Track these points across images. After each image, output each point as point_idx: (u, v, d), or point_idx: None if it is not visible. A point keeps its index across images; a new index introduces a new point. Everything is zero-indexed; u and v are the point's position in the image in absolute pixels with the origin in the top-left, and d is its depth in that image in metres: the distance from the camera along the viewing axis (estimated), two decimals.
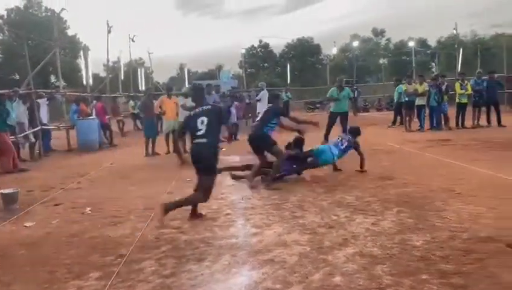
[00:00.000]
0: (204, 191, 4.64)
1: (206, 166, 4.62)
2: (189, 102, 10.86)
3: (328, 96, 11.29)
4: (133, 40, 24.81)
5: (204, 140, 4.59)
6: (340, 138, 7.04)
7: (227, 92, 18.31)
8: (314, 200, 5.28)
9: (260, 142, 6.48)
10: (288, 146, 6.94)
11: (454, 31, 28.43)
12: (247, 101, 19.00)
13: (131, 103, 19.90)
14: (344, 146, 6.82)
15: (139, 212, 5.10)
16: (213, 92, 11.58)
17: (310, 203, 5.17)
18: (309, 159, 6.81)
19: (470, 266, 3.09)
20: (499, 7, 58.15)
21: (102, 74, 38.63)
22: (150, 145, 10.44)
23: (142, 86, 26.45)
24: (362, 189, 5.74)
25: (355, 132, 7.11)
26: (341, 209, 4.79)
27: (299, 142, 6.89)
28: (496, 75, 14.40)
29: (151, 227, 4.47)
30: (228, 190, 6.16)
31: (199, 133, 4.60)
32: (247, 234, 4.17)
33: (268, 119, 6.51)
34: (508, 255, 3.26)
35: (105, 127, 13.47)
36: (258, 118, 6.69)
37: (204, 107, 4.82)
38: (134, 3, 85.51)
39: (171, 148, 10.62)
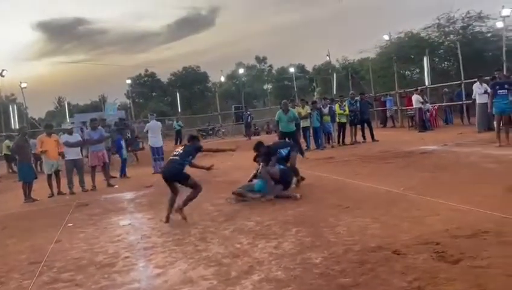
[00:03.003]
0: None
1: None
2: (72, 138, 10.17)
3: (276, 119, 12.10)
4: (1, 75, 22.45)
5: None
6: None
7: (114, 125, 17.39)
8: (217, 230, 5.26)
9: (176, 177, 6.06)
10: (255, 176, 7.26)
11: (328, 58, 31.27)
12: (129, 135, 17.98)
13: (7, 142, 17.80)
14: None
15: (23, 268, 4.54)
16: (99, 127, 11.00)
17: (213, 233, 5.14)
18: None
19: (365, 277, 3.35)
20: (364, 35, 65.77)
21: None
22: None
23: (15, 125, 23.89)
24: (261, 213, 5.89)
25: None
26: (243, 236, 4.84)
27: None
28: (366, 95, 16.27)
29: (39, 284, 4.01)
30: (124, 231, 5.83)
31: None
32: (149, 276, 3.97)
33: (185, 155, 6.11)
34: (395, 261, 3.60)
35: None
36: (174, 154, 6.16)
37: None
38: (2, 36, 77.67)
39: (55, 191, 9.78)
